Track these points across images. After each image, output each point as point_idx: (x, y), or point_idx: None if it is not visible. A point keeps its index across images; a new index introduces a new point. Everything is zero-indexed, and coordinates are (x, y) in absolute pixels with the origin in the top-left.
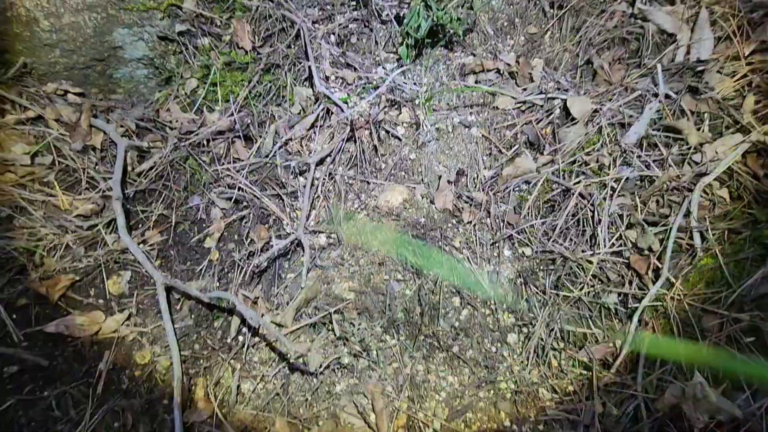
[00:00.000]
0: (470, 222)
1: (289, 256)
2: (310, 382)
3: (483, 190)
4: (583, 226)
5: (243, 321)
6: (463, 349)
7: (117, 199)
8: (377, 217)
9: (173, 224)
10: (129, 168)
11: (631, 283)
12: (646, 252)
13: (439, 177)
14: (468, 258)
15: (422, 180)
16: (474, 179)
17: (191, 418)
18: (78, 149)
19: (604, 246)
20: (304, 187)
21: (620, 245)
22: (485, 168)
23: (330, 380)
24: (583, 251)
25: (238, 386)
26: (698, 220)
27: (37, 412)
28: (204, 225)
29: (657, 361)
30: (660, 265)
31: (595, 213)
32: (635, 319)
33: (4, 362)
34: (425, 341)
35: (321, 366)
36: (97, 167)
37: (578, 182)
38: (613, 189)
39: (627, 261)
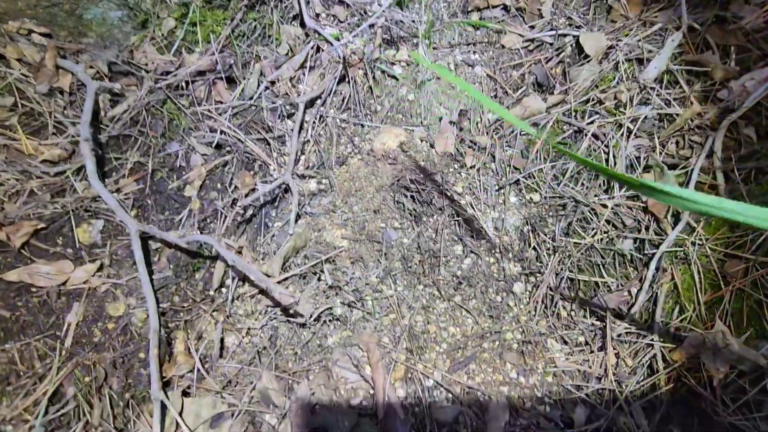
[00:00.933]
0: (473, 166)
1: (276, 204)
2: (300, 335)
3: (487, 133)
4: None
5: (227, 271)
6: (465, 299)
7: (85, 140)
8: (372, 162)
9: (150, 172)
10: (102, 113)
11: (648, 228)
12: None
13: (440, 119)
14: (471, 204)
15: (421, 122)
16: (477, 123)
17: (170, 372)
18: (43, 92)
19: (619, 190)
20: (292, 130)
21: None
22: (489, 111)
23: (321, 333)
24: (596, 195)
25: (222, 340)
26: (722, 160)
27: None
28: (183, 172)
29: (675, 310)
30: (680, 209)
31: (610, 155)
32: (652, 265)
33: None
34: (425, 291)
35: (311, 317)
36: (65, 111)
37: (592, 122)
38: (629, 129)
39: (644, 205)
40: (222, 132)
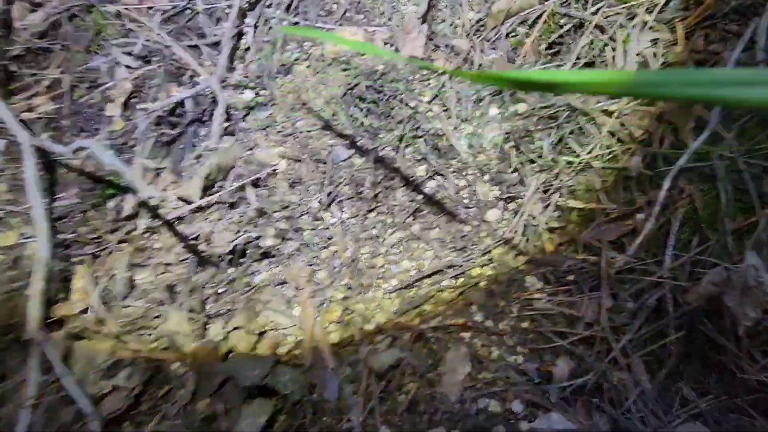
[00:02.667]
0: (445, 72)
1: (205, 121)
2: (225, 273)
3: (467, 35)
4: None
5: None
6: (425, 228)
7: None
8: (322, 68)
9: (69, 89)
10: (17, 24)
11: (662, 140)
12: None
13: (404, 15)
14: (440, 117)
15: (385, 22)
16: (453, 25)
17: (60, 312)
18: None
19: None
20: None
21: None
22: (469, 8)
23: (249, 270)
24: (598, 102)
25: (130, 277)
26: (766, 50)
27: None
28: (107, 90)
29: (693, 241)
30: (706, 116)
31: (618, 52)
32: (666, 184)
33: None
34: (376, 219)
35: (229, 250)
36: None
37: (596, 12)
38: (644, 20)
39: (659, 112)
40: (149, 39)
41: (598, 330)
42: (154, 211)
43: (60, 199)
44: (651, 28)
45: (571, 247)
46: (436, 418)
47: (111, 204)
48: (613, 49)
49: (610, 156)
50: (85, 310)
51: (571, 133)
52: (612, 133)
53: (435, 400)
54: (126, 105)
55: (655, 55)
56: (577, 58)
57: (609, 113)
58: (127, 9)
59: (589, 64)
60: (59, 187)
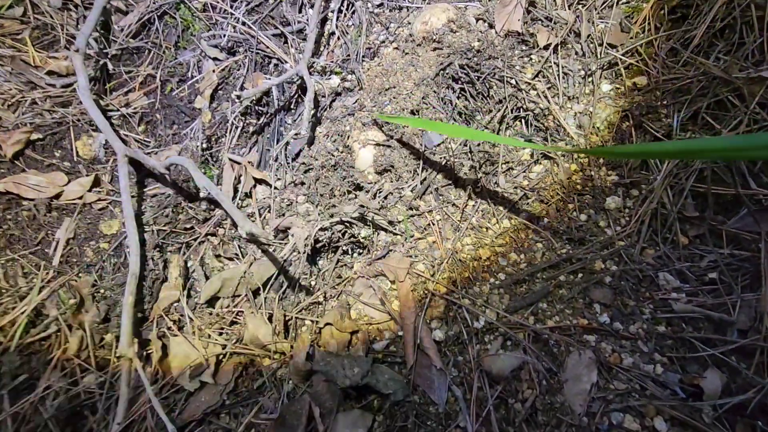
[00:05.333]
0: (549, 46)
1: (291, 109)
2: (315, 265)
3: (569, 6)
4: (742, 35)
5: (235, 193)
6: (533, 218)
7: (77, 51)
8: (411, 50)
9: (160, 84)
10: (115, 26)
11: None
12: None
13: None
14: (545, 95)
15: None
16: None
17: (160, 304)
18: (57, 5)
19: None
20: (311, 17)
21: None
22: None
23: (342, 261)
24: (742, 70)
25: (220, 266)
26: None
27: None
28: (196, 84)
29: None
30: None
31: (767, 10)
32: None
33: None
34: (477, 207)
35: (320, 242)
36: (78, 26)
37: None
38: None
39: None
40: (234, 30)
41: (758, 339)
42: (246, 196)
43: (154, 189)
44: None
45: (713, 239)
46: (559, 431)
47: (203, 197)
48: (758, 8)
49: (761, 131)
50: (176, 301)
51: (708, 106)
52: (763, 105)
53: (557, 411)
54: (213, 97)
55: None
56: (713, 21)
57: (759, 81)
58: (213, 2)
59: (726, 28)
60: (153, 179)
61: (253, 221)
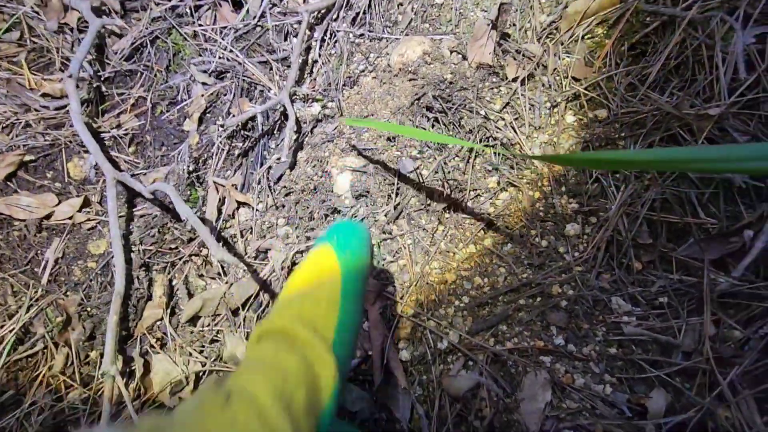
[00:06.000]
0: (517, 78)
1: (276, 134)
2: None
3: (538, 40)
4: (694, 73)
5: (219, 215)
6: (498, 243)
7: (70, 76)
8: (388, 79)
9: (150, 106)
10: (109, 49)
11: None
12: None
13: (474, 22)
14: (512, 125)
15: (452, 29)
16: (524, 29)
17: (144, 322)
18: (53, 29)
19: (729, 96)
20: (294, 46)
21: (757, 92)
22: (540, 11)
23: None
24: (692, 106)
25: (203, 285)
26: None
27: None
28: (185, 107)
29: None
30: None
31: (716, 51)
32: None
33: None
34: (446, 233)
35: (284, 267)
36: (74, 48)
37: (689, 7)
38: (749, 13)
39: (766, 114)
40: (222, 57)
41: (700, 361)
42: (231, 214)
43: (142, 209)
44: (758, 22)
45: (663, 265)
46: None
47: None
48: (708, 47)
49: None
50: (159, 319)
51: (662, 140)
52: (710, 140)
53: (513, 428)
54: (201, 120)
55: (759, 52)
56: (667, 59)
57: (707, 117)
58: (203, 29)
59: (680, 66)
60: (141, 199)
61: (235, 242)
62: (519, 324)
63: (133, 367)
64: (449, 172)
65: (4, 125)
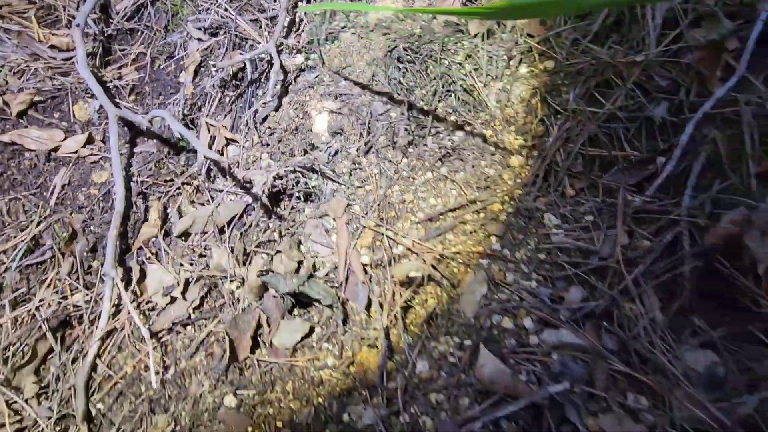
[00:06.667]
0: (479, 34)
1: (263, 83)
2: (272, 211)
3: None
4: (629, 30)
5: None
6: (453, 171)
7: (77, 26)
8: (365, 34)
9: (150, 60)
10: (112, 9)
11: (689, 91)
12: (716, 48)
13: None
14: (472, 74)
15: None
16: None
17: (140, 240)
18: None
19: (656, 46)
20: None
21: (680, 45)
22: None
23: (296, 208)
24: (625, 56)
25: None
26: None
27: None
28: (181, 61)
29: (714, 185)
30: (735, 63)
31: (647, 9)
32: (688, 129)
33: None
34: (408, 163)
35: (276, 191)
36: (79, 8)
37: None
38: None
39: (687, 63)
40: (217, 14)
41: (611, 262)
42: (216, 164)
43: (141, 147)
44: None
45: (591, 191)
46: (452, 329)
47: (182, 155)
48: (642, 8)
49: (635, 106)
50: (153, 237)
51: (597, 85)
52: (638, 84)
53: (453, 315)
54: (196, 72)
55: (684, 11)
56: (607, 16)
57: (635, 64)
58: None
59: (619, 23)
60: (140, 139)
61: (224, 174)
62: (464, 234)
63: (130, 275)
64: (414, 116)
65: (16, 71)
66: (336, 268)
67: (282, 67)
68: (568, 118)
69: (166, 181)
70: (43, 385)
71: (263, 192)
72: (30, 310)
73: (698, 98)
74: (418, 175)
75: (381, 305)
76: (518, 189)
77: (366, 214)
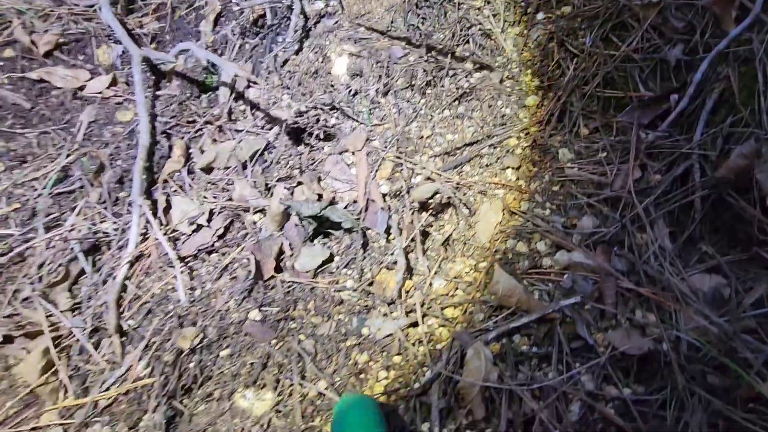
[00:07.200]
0: None
1: (283, 30)
2: (293, 149)
3: None
4: None
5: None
6: (469, 110)
7: None
8: None
9: (170, 10)
10: None
11: (704, 32)
12: None
13: None
14: (490, 19)
15: None
16: None
17: (164, 174)
18: None
19: None
20: None
21: None
22: None
23: (315, 147)
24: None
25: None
26: None
27: (18, 144)
28: (201, 10)
29: (726, 121)
30: (750, 4)
31: None
32: (702, 67)
33: None
34: (426, 102)
35: (286, 125)
36: None
37: None
38: None
39: (702, 5)
40: None
41: (624, 193)
42: (239, 96)
43: (164, 91)
44: None
45: (605, 129)
46: (468, 252)
47: (204, 96)
48: None
49: (651, 48)
50: (177, 171)
51: (613, 28)
52: (654, 27)
53: (469, 240)
54: (216, 21)
55: None
56: None
57: (651, 6)
58: None
59: None
60: (164, 82)
61: (245, 117)
62: (480, 166)
63: (156, 206)
64: (432, 60)
65: (41, 15)
66: (355, 202)
67: (303, 11)
68: (584, 61)
69: (188, 122)
70: (75, 302)
71: (285, 128)
72: (62, 234)
73: (713, 39)
74: (435, 113)
75: (400, 230)
76: (534, 127)
77: (385, 148)
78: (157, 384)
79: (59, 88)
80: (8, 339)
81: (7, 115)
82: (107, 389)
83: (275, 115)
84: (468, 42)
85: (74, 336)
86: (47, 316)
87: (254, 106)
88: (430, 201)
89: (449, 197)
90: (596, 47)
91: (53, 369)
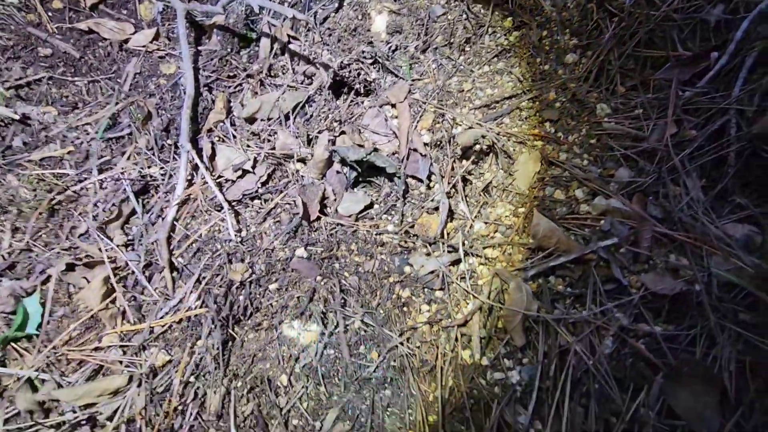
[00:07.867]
0: None
1: None
2: (333, 102)
3: None
4: None
5: (272, 47)
6: (509, 66)
7: None
8: None
9: None
10: None
11: None
12: None
13: None
14: None
15: None
16: None
17: (208, 125)
18: None
19: None
20: None
21: None
22: None
23: (355, 101)
24: None
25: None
26: None
27: (69, 91)
28: None
29: (765, 76)
30: None
31: None
32: (744, 25)
33: (37, 43)
34: (466, 59)
35: (329, 76)
36: None
37: None
38: None
39: None
40: None
41: (660, 146)
42: (279, 51)
43: (205, 46)
44: None
45: (643, 87)
46: (507, 198)
47: (244, 52)
48: None
49: (692, 8)
50: (221, 121)
51: None
52: None
53: (508, 187)
54: None
55: None
56: None
57: None
58: None
59: None
60: (204, 38)
61: (284, 72)
62: (519, 119)
63: (201, 153)
64: (472, 17)
65: None
66: (395, 153)
67: None
68: (623, 20)
69: (229, 76)
70: (128, 239)
71: (330, 77)
72: (114, 176)
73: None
74: (475, 68)
75: (441, 176)
76: (572, 83)
77: (426, 101)
78: (210, 313)
79: (106, 39)
80: (70, 267)
81: (58, 62)
82: (162, 317)
83: (323, 63)
84: (507, 2)
85: (129, 269)
86: (104, 250)
87: (296, 59)
88: (472, 149)
89: (493, 143)
90: (636, 7)
91: (113, 296)
